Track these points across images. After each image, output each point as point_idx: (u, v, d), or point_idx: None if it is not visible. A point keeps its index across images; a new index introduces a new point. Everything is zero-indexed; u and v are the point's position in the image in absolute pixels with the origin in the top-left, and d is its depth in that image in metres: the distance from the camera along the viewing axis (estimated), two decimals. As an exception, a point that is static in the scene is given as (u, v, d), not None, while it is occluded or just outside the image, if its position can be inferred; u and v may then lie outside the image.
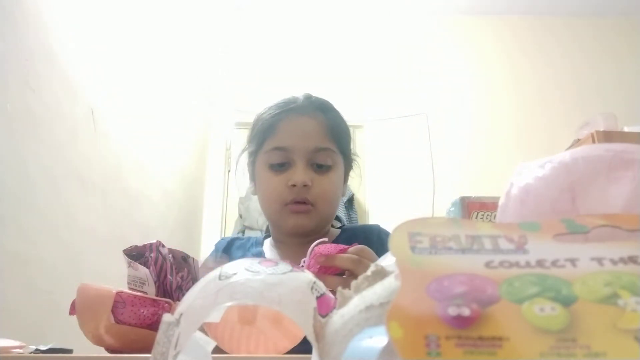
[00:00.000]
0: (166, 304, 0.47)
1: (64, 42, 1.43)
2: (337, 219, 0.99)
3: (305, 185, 0.81)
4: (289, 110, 0.86)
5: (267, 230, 0.97)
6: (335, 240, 0.88)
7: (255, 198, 0.96)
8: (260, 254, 0.90)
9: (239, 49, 3.01)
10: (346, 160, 0.90)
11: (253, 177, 0.90)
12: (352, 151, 0.94)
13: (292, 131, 0.84)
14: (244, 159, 0.94)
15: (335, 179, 0.87)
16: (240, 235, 1.19)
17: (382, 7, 3.02)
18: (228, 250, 0.91)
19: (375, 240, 0.85)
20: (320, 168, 0.84)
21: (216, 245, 0.94)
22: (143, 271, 0.50)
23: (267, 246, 0.91)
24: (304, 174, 0.81)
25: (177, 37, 2.44)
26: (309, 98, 0.90)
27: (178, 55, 2.46)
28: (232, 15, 3.03)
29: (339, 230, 0.94)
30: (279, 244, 0.91)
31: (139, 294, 0.49)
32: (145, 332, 0.46)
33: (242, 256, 0.88)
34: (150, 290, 0.50)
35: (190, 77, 2.67)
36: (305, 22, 3.07)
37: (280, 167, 0.83)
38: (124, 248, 0.52)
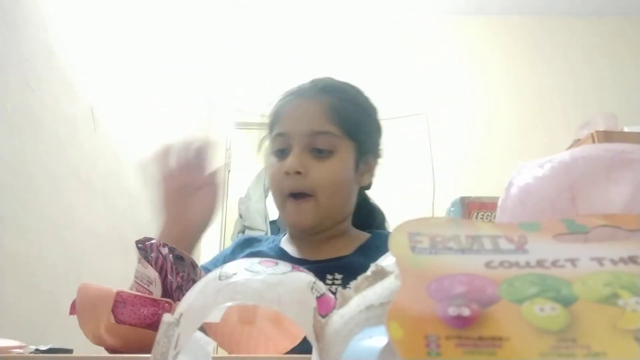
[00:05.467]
0: (166, 304, 0.47)
1: (64, 42, 1.43)
2: (365, 221, 0.93)
3: (298, 173, 0.75)
4: (292, 96, 0.83)
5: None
6: (364, 247, 0.81)
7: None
8: (277, 248, 0.85)
9: (239, 49, 3.01)
10: (360, 145, 0.81)
11: None
12: (371, 137, 0.84)
13: (291, 115, 0.80)
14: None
15: (338, 165, 0.78)
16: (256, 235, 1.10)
17: (381, 7, 3.02)
18: (247, 246, 0.88)
19: None
20: (320, 153, 0.77)
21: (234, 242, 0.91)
22: (152, 272, 0.50)
23: (285, 241, 0.87)
24: (297, 159, 0.76)
25: (177, 37, 2.44)
26: (314, 81, 0.86)
27: (178, 55, 2.46)
28: (233, 14, 3.03)
29: (369, 235, 0.85)
30: (294, 240, 0.86)
31: (143, 291, 0.49)
32: (145, 332, 0.46)
33: (259, 250, 0.83)
34: (157, 292, 0.50)
35: (190, 77, 2.67)
36: (305, 22, 3.07)
37: (281, 153, 0.79)
38: (137, 239, 0.52)
